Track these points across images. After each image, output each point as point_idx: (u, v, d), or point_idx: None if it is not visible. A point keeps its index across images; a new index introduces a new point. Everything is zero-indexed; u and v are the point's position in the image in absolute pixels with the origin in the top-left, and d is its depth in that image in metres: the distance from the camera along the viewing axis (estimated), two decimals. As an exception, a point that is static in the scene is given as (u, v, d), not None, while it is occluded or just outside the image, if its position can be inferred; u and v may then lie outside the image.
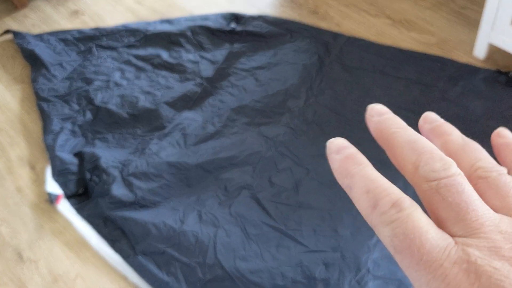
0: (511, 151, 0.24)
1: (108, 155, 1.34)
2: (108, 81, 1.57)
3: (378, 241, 1.11)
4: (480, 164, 0.21)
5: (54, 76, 1.60)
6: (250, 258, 1.11)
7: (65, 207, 1.25)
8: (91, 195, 1.26)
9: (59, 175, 1.31)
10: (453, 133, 0.23)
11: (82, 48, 1.71)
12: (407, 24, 1.68)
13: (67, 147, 1.38)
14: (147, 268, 1.11)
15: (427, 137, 0.24)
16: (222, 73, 1.56)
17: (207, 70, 1.57)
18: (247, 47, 1.64)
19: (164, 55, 1.64)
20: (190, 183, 1.27)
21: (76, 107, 1.50)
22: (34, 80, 1.59)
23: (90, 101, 1.51)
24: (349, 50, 1.58)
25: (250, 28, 1.69)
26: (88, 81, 1.57)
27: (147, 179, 1.27)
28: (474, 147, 0.22)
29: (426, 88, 1.43)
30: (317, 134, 1.35)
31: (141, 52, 1.66)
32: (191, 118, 1.43)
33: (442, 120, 0.24)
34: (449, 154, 0.22)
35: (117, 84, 1.55)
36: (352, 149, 0.22)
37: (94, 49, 1.69)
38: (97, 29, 1.76)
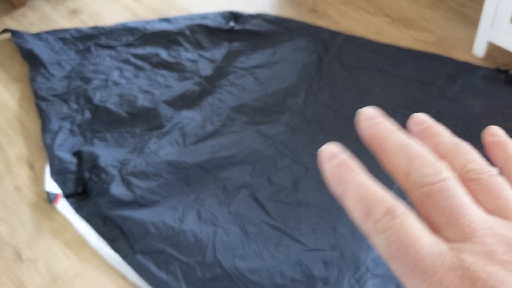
0: (503, 150, 0.24)
1: (107, 154, 1.33)
2: (106, 80, 1.57)
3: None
4: (471, 166, 0.21)
5: (52, 75, 1.60)
6: (249, 257, 1.11)
7: (64, 207, 1.25)
8: (90, 194, 1.26)
9: (58, 174, 1.31)
10: (443, 134, 0.23)
11: (81, 47, 1.70)
12: (406, 22, 1.68)
13: (65, 146, 1.38)
14: (146, 267, 1.11)
15: (417, 139, 0.24)
16: (221, 72, 1.55)
17: (206, 69, 1.57)
18: (246, 45, 1.63)
19: (163, 54, 1.63)
20: (189, 182, 1.27)
21: (74, 106, 1.50)
22: (32, 79, 1.59)
23: (88, 100, 1.50)
24: (348, 48, 1.58)
25: (249, 26, 1.69)
26: (87, 80, 1.57)
27: (146, 178, 1.27)
28: (465, 148, 0.22)
29: (425, 86, 1.43)
30: (316, 133, 1.35)
31: (140, 51, 1.66)
32: (190, 117, 1.42)
33: (431, 121, 0.24)
34: (440, 156, 0.22)
35: (115, 83, 1.55)
36: (344, 156, 0.21)
37: (93, 48, 1.69)
38: (95, 28, 1.76)
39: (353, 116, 1.38)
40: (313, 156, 1.29)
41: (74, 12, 1.89)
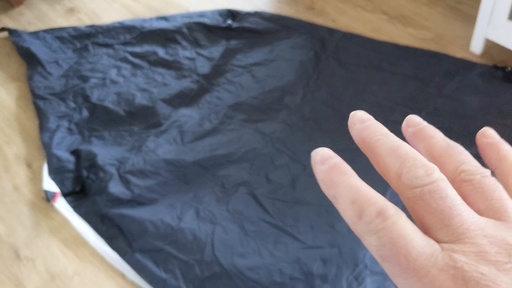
0: (496, 151, 0.24)
1: (105, 152, 1.33)
2: (104, 78, 1.56)
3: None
4: (463, 167, 0.21)
5: (50, 73, 1.59)
6: (248, 254, 1.11)
7: (62, 205, 1.25)
8: (88, 193, 1.26)
9: (56, 173, 1.31)
10: (436, 136, 0.23)
11: (78, 45, 1.70)
12: (403, 19, 1.68)
13: (63, 145, 1.38)
14: (145, 266, 1.11)
15: (410, 141, 0.24)
16: (218, 70, 1.55)
17: (203, 67, 1.57)
18: (243, 43, 1.63)
19: (160, 52, 1.63)
20: (187, 180, 1.27)
21: (72, 104, 1.50)
22: (30, 78, 1.59)
23: (86, 98, 1.50)
24: (346, 46, 1.58)
25: (246, 24, 1.69)
26: (84, 79, 1.57)
27: (144, 177, 1.27)
28: (458, 150, 0.22)
29: (423, 84, 1.43)
30: (314, 130, 1.35)
31: (137, 49, 1.66)
32: (188, 115, 1.42)
33: (425, 123, 0.24)
34: (433, 157, 0.22)
35: (113, 82, 1.55)
36: (336, 159, 0.21)
37: (90, 47, 1.68)
38: (93, 26, 1.76)
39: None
40: (311, 154, 1.29)
41: (71, 10, 1.89)
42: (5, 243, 1.21)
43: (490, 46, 1.50)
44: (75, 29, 1.76)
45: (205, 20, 1.72)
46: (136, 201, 1.22)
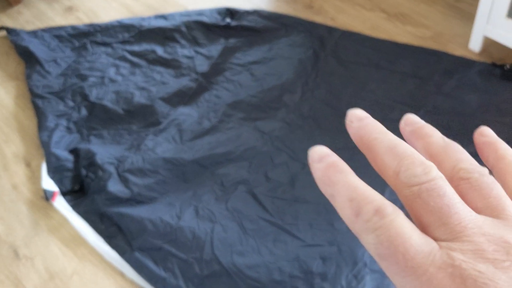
0: (493, 150, 0.24)
1: (104, 151, 1.33)
2: (103, 77, 1.56)
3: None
4: (461, 166, 0.21)
5: (48, 72, 1.59)
6: (247, 253, 1.11)
7: (61, 204, 1.25)
8: (87, 192, 1.26)
9: (55, 172, 1.31)
10: (434, 134, 0.23)
11: (77, 44, 1.70)
12: (402, 17, 1.68)
13: (62, 143, 1.38)
14: (144, 264, 1.11)
15: (408, 140, 0.24)
16: (217, 68, 1.55)
17: (202, 65, 1.57)
18: (242, 42, 1.63)
19: (159, 50, 1.63)
20: (186, 178, 1.27)
21: (71, 103, 1.50)
22: (28, 77, 1.58)
23: (85, 97, 1.50)
24: (344, 44, 1.58)
25: (245, 23, 1.69)
26: (83, 78, 1.57)
27: (143, 175, 1.27)
28: (456, 148, 0.22)
29: (422, 82, 1.43)
30: (313, 129, 1.35)
31: (136, 48, 1.65)
32: (187, 114, 1.42)
33: (423, 122, 0.24)
34: (431, 156, 0.22)
35: (112, 80, 1.55)
36: (334, 157, 0.21)
37: (89, 45, 1.68)
38: (91, 25, 1.76)
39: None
40: (310, 152, 1.29)
41: (69, 9, 1.88)
42: (4, 242, 1.21)
43: (489, 44, 1.50)
44: (73, 27, 1.75)
45: (204, 19, 1.72)
46: (135, 200, 1.22)
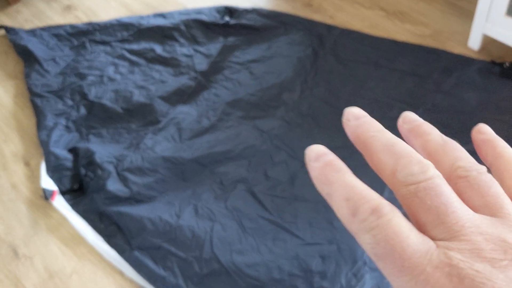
0: (491, 148, 0.24)
1: (103, 150, 1.33)
2: (101, 76, 1.56)
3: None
4: (459, 164, 0.21)
5: (47, 71, 1.59)
6: (247, 251, 1.11)
7: (60, 203, 1.25)
8: (86, 191, 1.26)
9: (54, 171, 1.31)
10: (432, 133, 0.23)
11: (75, 43, 1.70)
12: (401, 16, 1.68)
13: (61, 142, 1.38)
14: (144, 263, 1.11)
15: (406, 138, 0.24)
16: (216, 67, 1.55)
17: (201, 64, 1.57)
18: (241, 40, 1.63)
19: (158, 49, 1.63)
20: (186, 177, 1.27)
21: (70, 102, 1.49)
22: (27, 76, 1.58)
23: (84, 96, 1.50)
24: (343, 42, 1.58)
25: (244, 21, 1.68)
26: (82, 76, 1.56)
27: (142, 174, 1.27)
28: (454, 146, 0.22)
29: (421, 80, 1.43)
30: (312, 127, 1.35)
31: (135, 46, 1.65)
32: (186, 112, 1.42)
33: (421, 120, 0.24)
34: (429, 154, 0.22)
35: (111, 79, 1.55)
36: (331, 156, 0.21)
37: (88, 44, 1.68)
38: (90, 24, 1.75)
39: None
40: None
41: (68, 8, 1.88)
42: (3, 242, 1.21)
43: (488, 42, 1.50)
44: (72, 26, 1.75)
45: (203, 17, 1.71)
46: (134, 199, 1.22)
